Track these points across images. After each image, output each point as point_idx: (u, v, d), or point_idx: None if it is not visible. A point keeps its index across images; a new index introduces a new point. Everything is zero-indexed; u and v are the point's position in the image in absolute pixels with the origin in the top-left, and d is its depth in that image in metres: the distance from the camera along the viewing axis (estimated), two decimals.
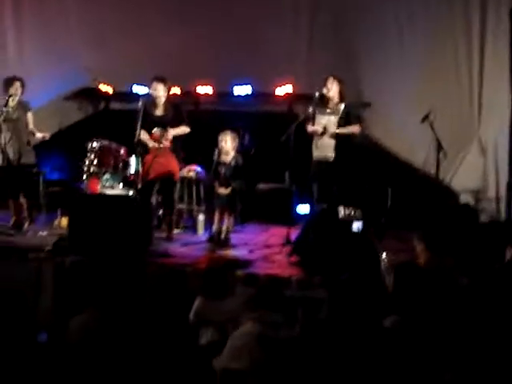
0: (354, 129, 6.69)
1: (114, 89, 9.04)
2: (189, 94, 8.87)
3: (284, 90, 8.71)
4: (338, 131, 6.59)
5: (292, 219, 6.83)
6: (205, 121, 8.42)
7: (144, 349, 3.81)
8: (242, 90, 8.84)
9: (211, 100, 9.01)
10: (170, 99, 6.78)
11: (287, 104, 8.79)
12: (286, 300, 4.17)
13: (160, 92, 6.63)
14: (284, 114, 8.67)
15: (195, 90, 8.88)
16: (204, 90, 8.90)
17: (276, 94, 8.75)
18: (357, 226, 5.05)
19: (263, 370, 3.39)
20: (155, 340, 3.96)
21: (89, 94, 9.16)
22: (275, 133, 6.85)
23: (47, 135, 6.84)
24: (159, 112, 6.68)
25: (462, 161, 7.91)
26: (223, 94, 8.99)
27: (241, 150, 7.44)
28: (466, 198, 7.71)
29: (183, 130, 6.70)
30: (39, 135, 6.77)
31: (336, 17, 8.45)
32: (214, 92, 8.93)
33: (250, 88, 8.82)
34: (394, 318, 3.72)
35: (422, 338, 3.52)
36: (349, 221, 5.11)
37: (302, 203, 7.51)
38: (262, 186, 8.06)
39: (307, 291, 4.92)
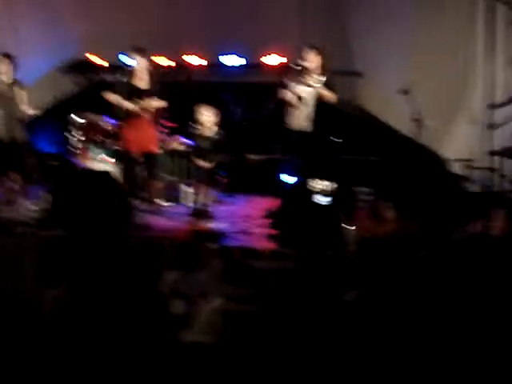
0: (330, 95, 6.53)
1: (103, 59, 9.05)
2: (182, 66, 8.88)
3: (272, 59, 8.68)
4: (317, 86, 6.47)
5: (279, 190, 6.87)
6: (197, 92, 8.43)
7: (114, 320, 3.94)
8: (236, 61, 8.83)
9: (204, 72, 8.99)
10: (156, 73, 6.77)
11: (280, 75, 8.76)
12: (255, 272, 4.25)
13: (142, 63, 6.66)
14: (277, 85, 8.64)
15: (186, 60, 8.87)
16: (197, 61, 8.89)
17: (265, 63, 8.72)
18: (322, 199, 5.09)
19: (230, 344, 3.52)
20: (127, 311, 4.07)
21: (83, 67, 9.19)
22: (267, 104, 6.83)
23: (37, 111, 6.89)
24: (143, 85, 6.70)
25: (453, 130, 7.86)
26: (216, 66, 8.96)
27: (233, 122, 7.49)
28: (456, 167, 7.70)
29: (163, 104, 6.74)
30: (30, 111, 6.79)
31: None
32: (207, 64, 8.91)
33: (244, 60, 8.81)
34: (356, 292, 3.81)
35: (381, 311, 3.60)
36: (316, 194, 5.16)
37: (289, 174, 7.52)
38: (251, 156, 8.12)
39: (278, 263, 4.99)
